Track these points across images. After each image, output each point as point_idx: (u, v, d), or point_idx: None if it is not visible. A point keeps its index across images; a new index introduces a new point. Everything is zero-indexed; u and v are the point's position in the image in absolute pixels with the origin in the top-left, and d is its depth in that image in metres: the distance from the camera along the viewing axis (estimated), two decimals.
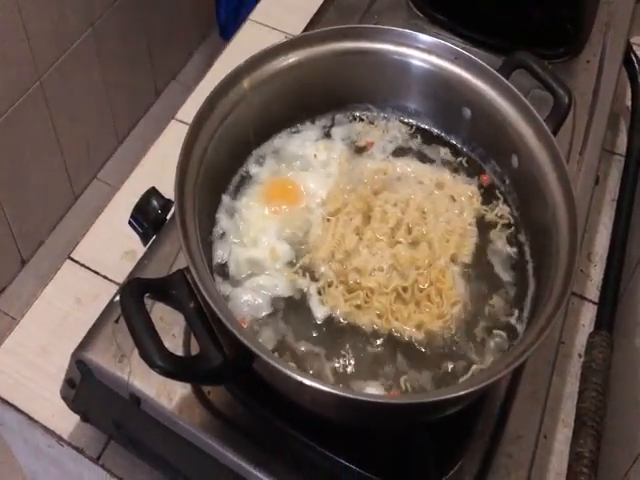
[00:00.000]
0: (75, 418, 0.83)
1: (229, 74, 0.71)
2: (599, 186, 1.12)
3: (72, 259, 0.98)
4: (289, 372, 0.57)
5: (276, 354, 0.68)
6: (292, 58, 0.74)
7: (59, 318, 0.92)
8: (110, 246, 0.97)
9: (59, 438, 0.85)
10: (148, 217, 0.78)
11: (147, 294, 0.61)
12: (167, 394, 0.72)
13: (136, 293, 0.59)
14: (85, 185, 1.10)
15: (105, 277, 0.96)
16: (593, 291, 1.05)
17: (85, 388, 0.77)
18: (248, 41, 1.09)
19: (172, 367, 0.58)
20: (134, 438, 0.81)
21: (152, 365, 0.57)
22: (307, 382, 0.57)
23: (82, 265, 0.97)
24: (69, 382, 0.78)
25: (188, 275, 0.61)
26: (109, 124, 1.14)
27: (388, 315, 0.70)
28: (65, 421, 0.84)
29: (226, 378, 0.64)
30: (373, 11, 0.99)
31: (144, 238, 0.81)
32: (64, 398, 0.80)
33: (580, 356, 1.00)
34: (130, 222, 0.80)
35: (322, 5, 1.02)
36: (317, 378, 0.57)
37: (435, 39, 0.75)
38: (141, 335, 0.57)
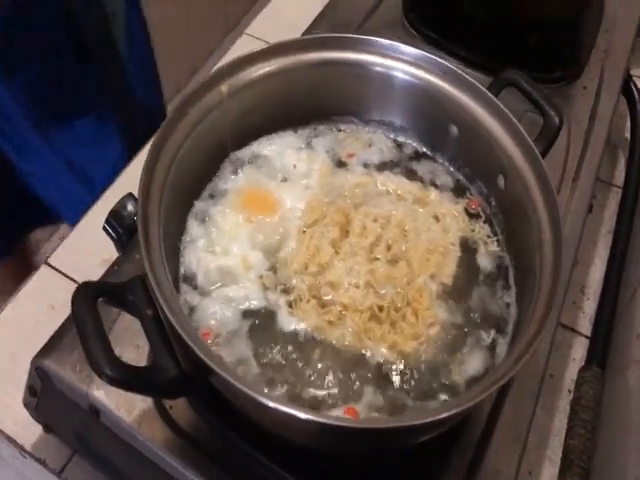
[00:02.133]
0: (39, 428, 0.80)
1: (208, 77, 0.69)
2: (595, 217, 1.09)
3: (49, 265, 0.95)
4: (245, 389, 0.53)
5: (240, 369, 0.65)
6: (272, 65, 0.72)
7: (30, 324, 0.90)
8: (88, 253, 0.95)
9: (21, 448, 0.81)
10: (123, 223, 0.75)
11: (101, 298, 0.58)
12: (127, 407, 0.69)
13: (89, 296, 0.56)
14: None
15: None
16: (585, 325, 1.01)
17: (46, 397, 0.74)
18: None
19: (122, 376, 0.54)
20: (96, 452, 0.78)
21: (100, 373, 0.54)
22: (263, 400, 0.53)
23: (58, 271, 0.95)
24: (30, 390, 0.75)
25: (146, 280, 0.58)
26: None
27: (361, 334, 0.67)
28: (29, 431, 0.81)
29: (181, 392, 0.61)
30: (367, 28, 0.98)
31: (118, 244, 0.78)
32: (26, 406, 0.77)
33: (570, 391, 0.96)
34: (104, 227, 0.77)
35: (315, 20, 1.01)
36: (276, 397, 0.54)
37: (422, 52, 0.73)
38: (90, 340, 0.54)
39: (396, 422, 0.58)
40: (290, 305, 0.68)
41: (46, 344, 0.72)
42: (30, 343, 0.81)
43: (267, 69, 0.72)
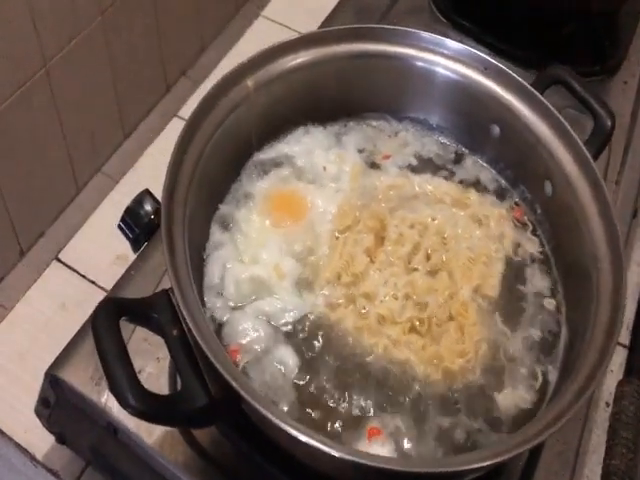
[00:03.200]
0: (51, 437, 0.75)
1: (230, 72, 0.63)
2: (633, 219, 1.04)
3: (60, 260, 0.91)
4: (277, 421, 0.49)
5: (273, 388, 0.60)
6: (302, 57, 0.67)
7: (41, 323, 0.86)
8: (101, 249, 0.90)
9: (32, 457, 0.78)
10: (139, 222, 0.69)
11: (124, 317, 0.52)
12: (147, 426, 0.64)
13: (111, 316, 0.51)
14: (88, 178, 1.05)
15: (93, 282, 0.90)
16: (624, 333, 0.96)
17: (60, 408, 0.69)
18: (259, 38, 1.03)
19: (147, 408, 0.49)
20: (112, 467, 0.73)
21: (124, 405, 0.49)
22: (301, 437, 0.48)
23: (70, 267, 0.90)
24: (43, 401, 0.71)
25: (173, 297, 0.52)
26: (116, 117, 1.10)
27: (400, 344, 0.62)
28: (40, 439, 0.77)
29: (210, 421, 0.56)
30: (393, 13, 0.92)
31: (134, 245, 0.73)
32: (38, 416, 0.73)
33: (608, 405, 0.91)
34: (120, 226, 0.72)
35: (338, 4, 0.94)
36: (312, 432, 0.48)
37: (463, 46, 0.67)
38: (113, 367, 0.49)
39: (442, 466, 0.52)
40: (328, 311, 0.63)
41: (61, 353, 0.67)
42: (40, 344, 0.77)
43: (297, 61, 0.67)
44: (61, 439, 0.75)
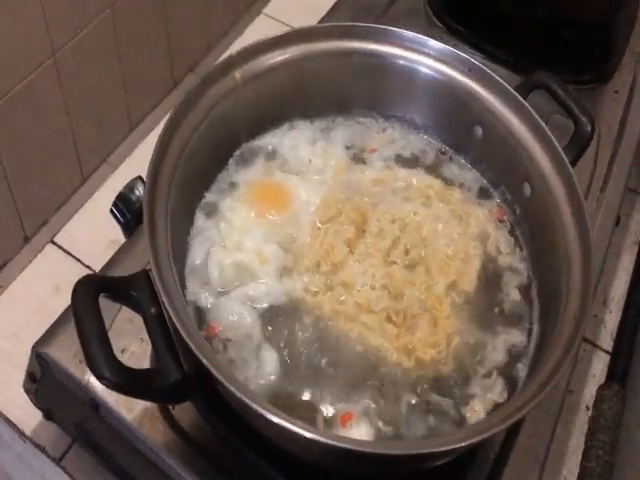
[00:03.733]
0: (39, 413, 0.78)
1: (219, 64, 0.65)
2: (620, 227, 1.05)
3: (55, 244, 0.93)
4: (248, 400, 0.50)
5: (250, 369, 0.61)
6: (289, 53, 0.69)
7: (35, 304, 0.88)
8: (96, 233, 0.93)
9: (21, 433, 0.80)
10: (131, 207, 0.72)
11: (103, 294, 0.54)
12: (127, 403, 0.66)
13: (90, 292, 0.53)
14: (94, 168, 1.07)
15: (88, 266, 0.92)
16: (607, 339, 0.98)
17: (46, 384, 0.72)
18: (260, 36, 1.05)
19: (121, 380, 0.51)
20: (95, 443, 0.75)
21: (99, 376, 0.51)
22: (269, 416, 0.50)
23: (65, 251, 0.92)
24: (30, 376, 0.73)
25: (152, 276, 0.54)
26: (123, 109, 1.12)
27: (375, 331, 0.64)
28: (29, 415, 0.80)
29: (183, 397, 0.57)
30: (389, 15, 0.94)
31: (125, 229, 0.75)
32: (26, 391, 0.75)
33: (588, 408, 0.93)
34: (112, 211, 0.74)
35: (336, 3, 0.96)
36: (280, 412, 0.50)
37: (447, 47, 0.69)
38: (89, 341, 0.51)
39: (405, 449, 0.53)
40: (307, 296, 0.65)
41: (47, 330, 0.69)
42: (33, 324, 0.80)
43: (284, 57, 0.69)
44: (48, 415, 0.77)
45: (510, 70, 0.91)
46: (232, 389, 0.50)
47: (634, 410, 0.90)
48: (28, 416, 0.80)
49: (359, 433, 0.60)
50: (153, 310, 0.55)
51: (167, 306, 0.53)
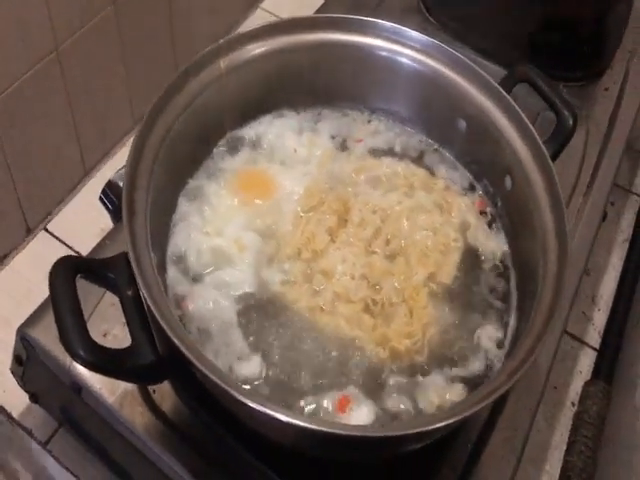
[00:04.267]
0: (26, 396, 0.79)
1: (204, 52, 0.66)
2: (611, 225, 1.05)
3: (47, 231, 0.94)
4: (221, 383, 0.51)
5: (227, 354, 0.62)
6: (275, 44, 0.69)
7: (25, 290, 0.90)
8: (88, 221, 0.94)
9: (8, 416, 0.80)
10: (119, 194, 0.73)
11: (81, 275, 0.55)
12: (109, 386, 0.67)
13: (67, 272, 0.54)
14: (97, 162, 1.08)
15: (78, 253, 0.92)
16: (594, 336, 0.98)
17: (32, 367, 0.73)
18: None
19: (95, 359, 0.52)
20: (79, 427, 0.77)
21: (73, 354, 0.52)
22: (238, 396, 0.50)
23: (57, 238, 0.94)
24: (17, 359, 0.74)
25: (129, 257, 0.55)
26: (125, 104, 1.13)
27: (352, 323, 0.64)
28: (17, 399, 0.81)
29: (157, 378, 0.58)
30: (382, 9, 0.94)
31: (114, 216, 0.77)
32: (14, 374, 0.77)
33: (573, 405, 0.93)
34: (101, 198, 0.76)
35: None
36: (253, 394, 0.51)
37: (429, 39, 0.69)
38: (64, 318, 0.52)
39: (377, 432, 0.54)
40: (284, 289, 0.66)
41: (33, 313, 0.71)
42: (24, 310, 0.80)
43: (268, 47, 0.69)
44: (34, 398, 0.78)
45: (502, 67, 0.91)
46: (202, 368, 0.51)
47: (619, 407, 0.90)
48: (17, 399, 0.81)
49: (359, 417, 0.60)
50: (130, 292, 0.56)
51: (142, 288, 0.54)
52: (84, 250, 0.91)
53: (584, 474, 0.84)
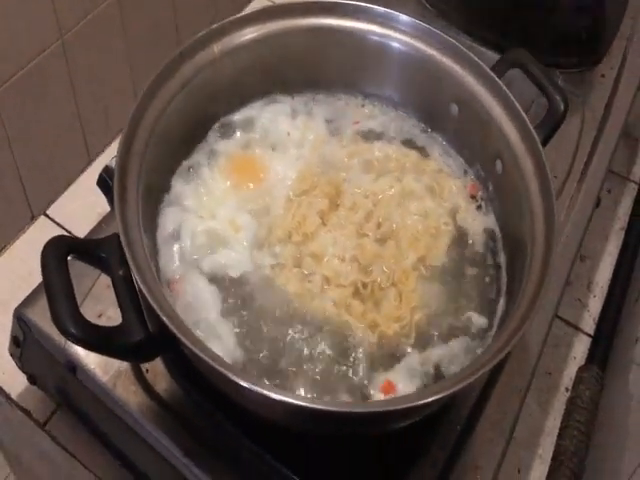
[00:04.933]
0: (25, 379, 0.80)
1: (198, 36, 0.67)
2: (608, 212, 1.05)
3: (47, 216, 0.96)
4: (211, 362, 0.52)
5: (216, 339, 0.63)
6: (268, 28, 0.70)
7: (25, 274, 0.91)
8: (86, 206, 0.95)
9: (7, 397, 0.82)
10: None
11: (73, 255, 0.57)
12: (103, 366, 0.68)
13: (59, 251, 0.55)
14: (101, 150, 1.09)
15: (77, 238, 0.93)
16: (589, 323, 0.98)
17: (29, 348, 0.74)
18: None
19: (85, 335, 0.53)
20: (76, 407, 0.78)
21: (63, 331, 0.53)
22: (226, 373, 0.51)
23: (56, 223, 0.95)
24: (14, 340, 0.75)
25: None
26: (129, 92, 1.13)
27: (341, 308, 0.65)
28: (16, 380, 0.82)
29: (147, 356, 0.59)
30: None
31: (111, 201, 0.77)
32: (12, 356, 0.78)
33: (567, 390, 0.94)
34: (98, 183, 0.77)
35: None
36: (243, 373, 0.52)
37: (419, 22, 0.69)
38: (55, 296, 0.53)
39: (365, 407, 0.56)
40: (273, 273, 0.66)
41: (29, 295, 0.72)
42: (22, 293, 0.82)
43: (261, 32, 0.70)
44: (32, 379, 0.79)
45: (499, 54, 0.91)
46: (191, 346, 0.52)
47: (612, 392, 0.91)
48: (15, 381, 0.83)
49: None
50: (121, 272, 0.57)
51: (133, 268, 0.54)
52: (83, 235, 0.93)
53: (575, 458, 0.85)
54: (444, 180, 0.74)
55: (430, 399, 0.53)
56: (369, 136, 0.77)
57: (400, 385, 0.61)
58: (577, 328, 0.97)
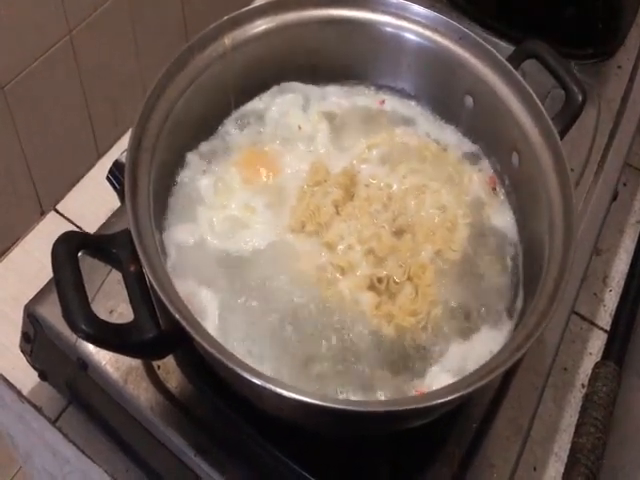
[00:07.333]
0: (36, 375, 0.80)
1: (208, 30, 0.66)
2: (624, 206, 1.04)
3: (57, 211, 0.95)
4: (227, 361, 0.51)
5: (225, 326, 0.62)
6: (281, 20, 0.69)
7: (35, 269, 0.90)
8: (96, 201, 0.95)
9: (19, 393, 0.82)
10: None
11: (84, 250, 0.56)
12: (114, 362, 0.68)
13: (70, 247, 0.54)
14: (110, 145, 1.09)
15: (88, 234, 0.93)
16: (605, 318, 0.96)
17: (40, 344, 0.74)
18: None
19: (97, 333, 0.52)
20: (87, 404, 0.77)
21: (74, 328, 0.52)
22: (245, 375, 0.50)
23: (66, 218, 0.95)
24: (25, 336, 0.75)
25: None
26: (138, 87, 1.13)
27: (356, 299, 0.64)
28: (27, 376, 0.82)
29: (159, 353, 0.58)
30: None
31: (121, 196, 0.77)
32: (23, 352, 0.77)
33: (583, 386, 0.92)
34: (108, 177, 0.76)
35: None
36: (257, 371, 0.51)
37: (434, 13, 0.68)
38: (66, 293, 0.52)
39: (379, 406, 0.54)
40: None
41: (40, 291, 0.71)
42: (33, 289, 0.82)
43: (273, 23, 0.69)
44: (43, 376, 0.79)
45: (514, 46, 0.90)
46: (204, 343, 0.51)
47: (629, 389, 0.90)
48: (26, 377, 0.82)
49: None
50: (132, 268, 0.56)
51: (145, 265, 0.53)
52: (93, 230, 0.92)
53: (592, 455, 0.84)
54: (463, 173, 0.72)
55: (448, 398, 0.52)
56: (390, 125, 0.75)
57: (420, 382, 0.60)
58: (593, 323, 0.96)
